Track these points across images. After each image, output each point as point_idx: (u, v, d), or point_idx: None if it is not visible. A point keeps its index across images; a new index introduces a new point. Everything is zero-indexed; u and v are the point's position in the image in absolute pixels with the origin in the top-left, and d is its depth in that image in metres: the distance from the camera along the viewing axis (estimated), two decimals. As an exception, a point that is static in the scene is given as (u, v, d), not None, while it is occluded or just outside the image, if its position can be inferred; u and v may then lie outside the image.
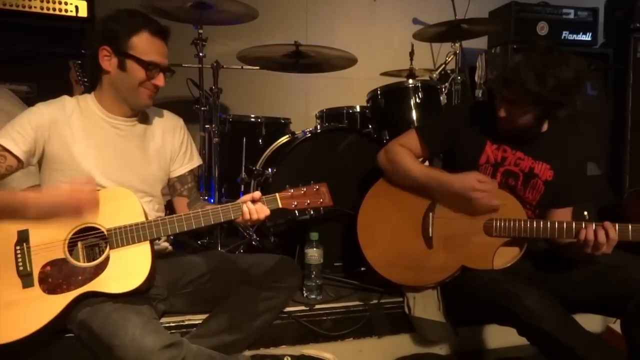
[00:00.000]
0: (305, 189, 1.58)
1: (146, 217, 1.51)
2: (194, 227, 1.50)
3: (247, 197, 1.53)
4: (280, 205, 1.56)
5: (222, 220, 1.52)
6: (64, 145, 1.55)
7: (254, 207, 1.51)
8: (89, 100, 1.62)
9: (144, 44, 1.53)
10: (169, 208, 1.84)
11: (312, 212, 1.62)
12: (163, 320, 1.68)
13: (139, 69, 1.54)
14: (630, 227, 1.58)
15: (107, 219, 1.47)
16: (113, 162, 1.60)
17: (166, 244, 1.76)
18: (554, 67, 1.60)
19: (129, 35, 1.53)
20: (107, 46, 1.54)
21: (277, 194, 1.57)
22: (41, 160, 1.57)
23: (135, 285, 1.42)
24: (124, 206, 1.50)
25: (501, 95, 1.72)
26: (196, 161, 1.82)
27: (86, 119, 1.59)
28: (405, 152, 1.91)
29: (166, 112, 1.78)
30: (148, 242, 1.48)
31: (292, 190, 1.58)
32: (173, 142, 1.74)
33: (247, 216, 1.51)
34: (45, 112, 1.54)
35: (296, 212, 1.59)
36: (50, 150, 1.55)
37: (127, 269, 1.44)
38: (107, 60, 1.55)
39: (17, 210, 1.37)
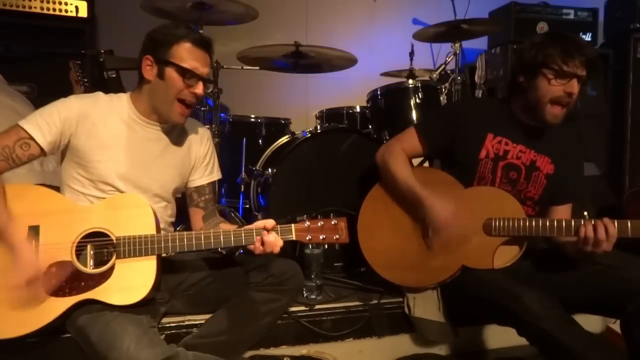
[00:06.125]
0: (322, 222, 1.51)
1: (157, 230, 1.49)
2: (203, 248, 1.49)
3: (261, 223, 1.49)
4: (294, 238, 1.49)
5: (233, 246, 1.49)
6: (89, 142, 1.54)
7: (268, 242, 1.47)
8: (123, 100, 1.61)
9: (184, 52, 1.53)
10: (183, 213, 1.81)
11: (325, 247, 1.54)
12: (164, 320, 1.68)
13: (177, 76, 1.52)
14: (629, 223, 1.58)
15: (117, 226, 1.45)
16: (136, 165, 1.59)
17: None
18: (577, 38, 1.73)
19: (171, 44, 1.52)
20: (150, 55, 1.54)
21: (292, 225, 1.50)
22: (65, 151, 1.56)
23: (135, 299, 1.41)
24: (136, 215, 1.48)
25: (560, 71, 1.66)
26: (216, 175, 1.81)
27: (117, 118, 1.58)
28: (401, 156, 1.88)
29: (195, 122, 1.78)
30: (155, 256, 1.46)
31: (309, 223, 1.50)
32: (198, 151, 1.73)
33: (260, 250, 1.48)
34: (75, 106, 1.53)
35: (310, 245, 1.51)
36: (76, 144, 1.54)
37: (130, 282, 1.43)
38: (149, 70, 1.54)
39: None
